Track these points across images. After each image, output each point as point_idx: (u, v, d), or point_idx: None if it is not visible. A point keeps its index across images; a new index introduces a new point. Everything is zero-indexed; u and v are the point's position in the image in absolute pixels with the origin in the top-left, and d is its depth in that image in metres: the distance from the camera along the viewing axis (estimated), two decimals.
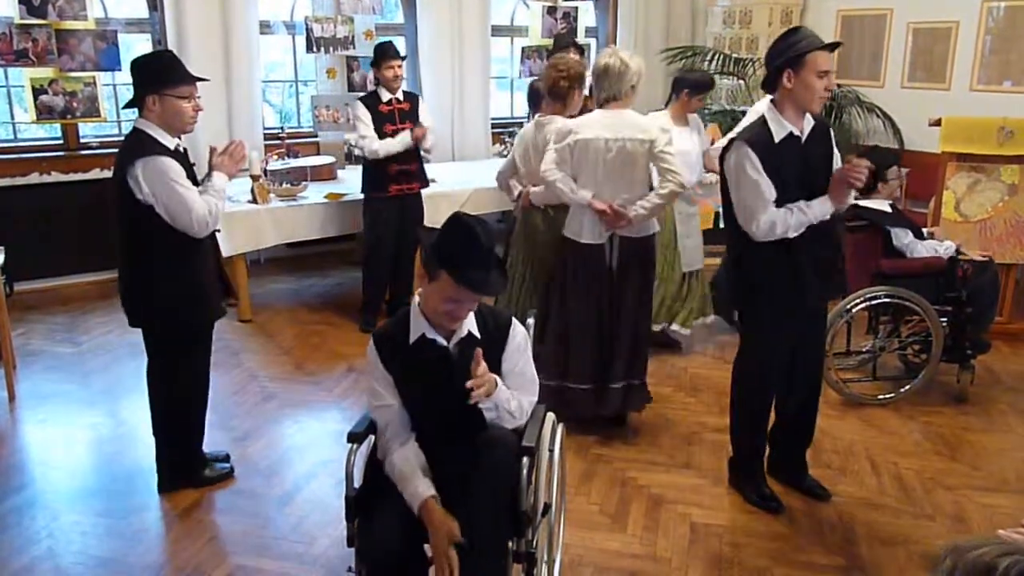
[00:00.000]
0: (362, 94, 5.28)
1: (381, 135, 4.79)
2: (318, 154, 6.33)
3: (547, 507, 2.42)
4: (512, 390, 2.31)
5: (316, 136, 6.45)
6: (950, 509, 3.25)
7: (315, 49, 6.18)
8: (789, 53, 2.80)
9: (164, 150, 2.96)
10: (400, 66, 4.85)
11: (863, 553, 2.97)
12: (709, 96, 4.95)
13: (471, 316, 2.31)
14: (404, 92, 4.97)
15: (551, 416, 2.57)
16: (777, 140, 2.86)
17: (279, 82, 7.43)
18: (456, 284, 2.14)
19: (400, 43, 6.91)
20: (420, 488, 2.17)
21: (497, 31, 7.19)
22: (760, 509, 3.22)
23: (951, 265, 4.03)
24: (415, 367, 2.29)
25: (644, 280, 3.66)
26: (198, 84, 3.05)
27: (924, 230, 4.22)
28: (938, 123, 4.98)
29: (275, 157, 5.77)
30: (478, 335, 2.31)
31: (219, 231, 3.38)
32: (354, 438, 2.32)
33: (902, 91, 6.47)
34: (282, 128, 6.38)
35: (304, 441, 3.78)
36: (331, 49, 6.22)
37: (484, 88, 6.94)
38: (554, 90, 3.84)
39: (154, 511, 3.20)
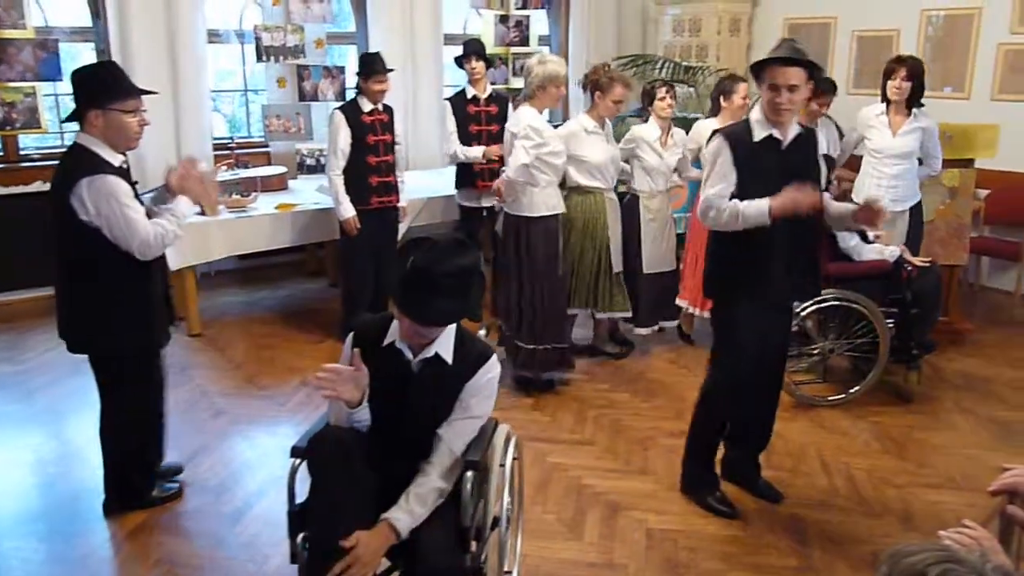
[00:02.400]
0: (340, 104, 5.19)
1: (363, 144, 4.74)
2: (269, 164, 6.25)
3: (496, 521, 2.40)
4: (447, 422, 2.27)
5: (267, 146, 6.37)
6: (898, 507, 3.32)
7: (265, 58, 6.11)
8: (756, 63, 2.95)
9: (110, 168, 2.85)
10: (387, 80, 4.80)
11: (815, 553, 3.01)
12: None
13: (448, 339, 2.27)
14: (383, 104, 4.90)
15: (504, 428, 2.56)
16: (756, 139, 2.95)
17: (229, 92, 7.32)
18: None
19: (351, 52, 6.88)
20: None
21: (450, 40, 7.18)
22: (715, 514, 3.24)
23: (896, 268, 4.12)
24: (379, 372, 2.26)
25: (528, 255, 4.18)
26: (144, 97, 2.95)
27: (870, 234, 4.31)
28: None
29: (224, 168, 5.68)
30: (448, 360, 2.27)
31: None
32: (298, 452, 2.29)
33: (848, 97, 6.59)
34: (231, 138, 6.29)
35: (255, 457, 3.72)
36: (281, 58, 6.15)
37: (437, 96, 6.91)
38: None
39: (100, 534, 3.11)
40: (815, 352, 4.32)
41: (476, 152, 5.12)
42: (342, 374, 2.16)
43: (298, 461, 2.32)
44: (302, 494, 2.32)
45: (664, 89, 4.63)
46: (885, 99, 4.60)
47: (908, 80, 4.46)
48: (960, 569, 1.00)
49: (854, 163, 5.04)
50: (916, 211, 4.66)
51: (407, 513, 2.15)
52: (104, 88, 2.86)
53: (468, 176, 5.27)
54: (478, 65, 5.11)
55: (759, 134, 2.95)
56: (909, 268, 4.13)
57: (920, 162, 4.67)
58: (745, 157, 2.94)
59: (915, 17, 6.23)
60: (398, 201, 5.02)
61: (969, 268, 5.74)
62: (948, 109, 5.58)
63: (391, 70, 4.83)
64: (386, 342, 2.27)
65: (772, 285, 3.00)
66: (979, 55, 5.90)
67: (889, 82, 4.53)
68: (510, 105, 5.18)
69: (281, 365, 4.72)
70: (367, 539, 2.08)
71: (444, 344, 2.26)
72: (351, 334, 2.32)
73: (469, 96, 5.17)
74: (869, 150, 4.71)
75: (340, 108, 4.82)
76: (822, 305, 4.03)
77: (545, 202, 4.16)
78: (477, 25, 7.37)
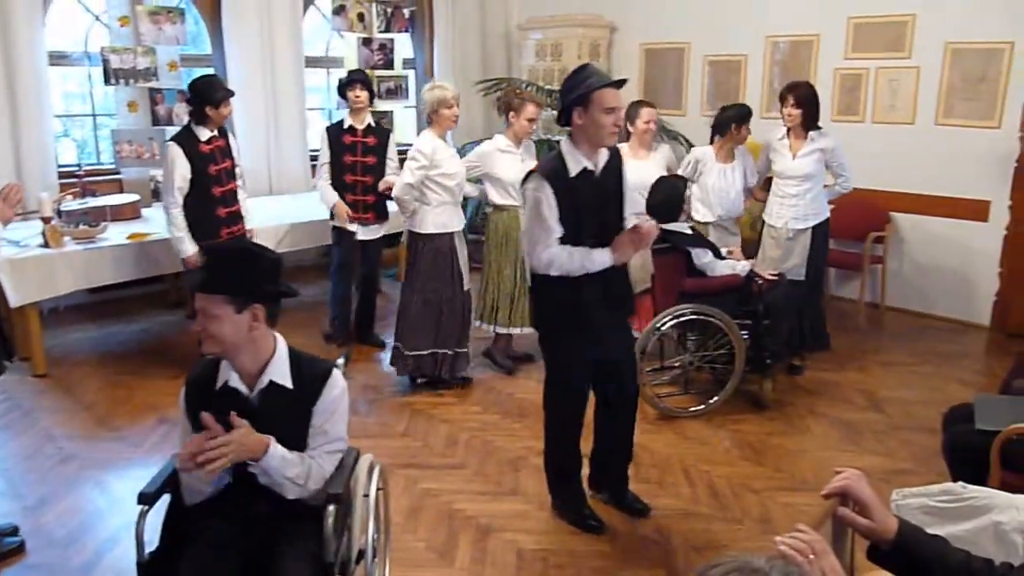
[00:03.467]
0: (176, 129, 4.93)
1: (205, 175, 4.48)
2: (121, 192, 5.94)
3: (362, 554, 2.35)
4: (311, 450, 2.21)
5: (119, 173, 6.05)
6: (757, 511, 3.46)
7: (114, 81, 5.82)
8: (579, 90, 2.88)
9: None
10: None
11: (680, 563, 3.10)
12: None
13: (282, 364, 2.21)
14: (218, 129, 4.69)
15: (367, 458, 2.50)
16: (573, 174, 2.96)
17: (76, 116, 6.92)
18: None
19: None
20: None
21: (312, 62, 7.08)
22: (583, 531, 3.28)
23: (747, 282, 4.33)
24: (217, 416, 2.17)
25: (417, 269, 4.49)
26: None
27: (722, 250, 4.51)
28: None
29: (70, 197, 5.36)
30: (288, 384, 2.21)
31: None
32: (145, 499, 2.17)
33: (702, 119, 6.90)
34: (79, 166, 5.93)
35: (107, 504, 3.49)
36: (132, 81, 5.88)
37: (300, 120, 6.79)
38: None
39: None
40: (676, 365, 4.47)
41: (330, 199, 4.98)
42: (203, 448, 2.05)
43: (147, 508, 2.20)
44: (153, 543, 2.20)
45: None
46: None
47: (797, 107, 4.64)
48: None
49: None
50: (820, 229, 4.83)
51: (285, 453, 2.12)
52: None
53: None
54: (362, 94, 4.96)
55: (574, 168, 2.96)
56: (760, 282, 4.35)
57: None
58: (566, 195, 2.94)
59: (761, 43, 6.61)
60: (244, 229, 4.81)
61: None
62: None
63: (232, 93, 4.65)
64: (219, 385, 2.20)
65: (587, 311, 3.05)
66: (819, 79, 6.31)
67: (782, 109, 4.74)
68: (391, 137, 5.16)
69: (136, 404, 4.46)
70: (249, 431, 2.07)
71: (278, 370, 2.20)
72: (183, 389, 2.24)
73: (346, 126, 5.00)
74: (774, 172, 4.92)
75: (175, 139, 4.47)
76: (680, 319, 4.18)
77: (434, 220, 4.43)
78: (340, 48, 7.29)
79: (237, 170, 4.76)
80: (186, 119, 5.96)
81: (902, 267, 6.09)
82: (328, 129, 5.08)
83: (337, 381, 2.28)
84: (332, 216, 5.10)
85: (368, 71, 7.11)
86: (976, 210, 5.68)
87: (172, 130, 6.01)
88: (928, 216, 5.90)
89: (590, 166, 2.99)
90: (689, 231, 4.39)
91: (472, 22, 7.81)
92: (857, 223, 5.90)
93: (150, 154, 5.94)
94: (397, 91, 7.41)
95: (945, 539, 1.72)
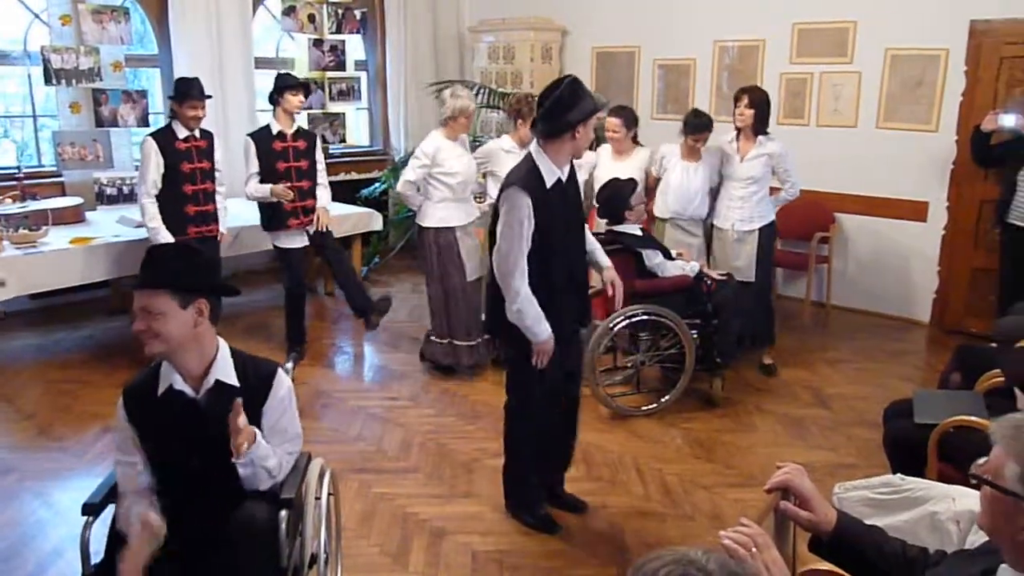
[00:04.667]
0: (152, 130, 4.98)
1: (177, 172, 4.58)
2: (63, 195, 5.80)
3: (314, 558, 2.33)
4: (272, 447, 2.21)
5: (61, 176, 5.91)
6: (707, 507, 3.52)
7: (55, 82, 5.68)
8: (586, 109, 2.92)
9: None
10: (203, 107, 4.66)
11: (632, 560, 3.12)
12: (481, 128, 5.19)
13: (225, 364, 2.20)
14: (201, 130, 4.73)
15: (318, 462, 2.49)
16: (548, 186, 2.99)
17: (16, 117, 6.73)
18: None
19: (155, 76, 6.54)
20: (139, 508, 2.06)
21: (262, 63, 6.99)
22: (537, 531, 3.30)
23: (697, 282, 4.40)
24: (164, 421, 2.14)
25: (423, 259, 4.84)
26: None
27: (672, 251, 4.57)
28: None
29: (8, 200, 5.21)
30: (235, 383, 2.19)
31: None
32: (90, 509, 2.14)
33: (653, 122, 7.00)
34: (19, 168, 5.78)
35: (50, 516, 3.40)
36: (74, 82, 5.74)
37: (250, 122, 6.69)
38: None
39: None
40: (628, 365, 4.52)
41: (264, 189, 4.80)
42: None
43: (92, 519, 2.16)
44: (99, 553, 2.17)
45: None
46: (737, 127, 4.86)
47: (750, 108, 4.69)
48: (688, 568, 1.07)
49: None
50: (767, 230, 4.87)
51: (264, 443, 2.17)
52: None
53: (279, 216, 4.92)
54: (304, 99, 4.93)
55: (550, 179, 2.99)
56: (709, 282, 4.42)
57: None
58: (543, 206, 2.95)
59: (709, 48, 6.71)
60: (217, 231, 4.85)
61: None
62: None
63: (209, 96, 4.69)
64: (161, 390, 2.17)
65: (558, 318, 3.08)
66: (765, 83, 6.44)
67: (735, 109, 4.78)
68: (318, 140, 5.13)
69: (80, 412, 4.36)
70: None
71: (224, 369, 2.20)
72: (120, 400, 2.20)
73: (275, 132, 4.87)
74: (723, 174, 4.95)
75: (153, 135, 4.67)
76: (632, 320, 4.23)
77: (435, 215, 4.69)
78: (291, 49, 7.22)
79: (217, 174, 4.82)
80: (132, 120, 5.98)
81: (846, 267, 6.25)
82: (254, 138, 4.88)
83: (283, 380, 2.29)
84: (266, 224, 4.99)
85: (320, 73, 7.10)
86: (916, 211, 5.86)
87: (117, 132, 5.94)
88: (871, 217, 6.05)
89: (561, 176, 3.05)
90: (639, 232, 4.44)
91: (424, 24, 7.79)
92: (803, 224, 6.04)
93: (94, 156, 5.82)
94: (349, 93, 7.37)
95: (882, 529, 1.78)
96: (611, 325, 4.22)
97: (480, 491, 3.61)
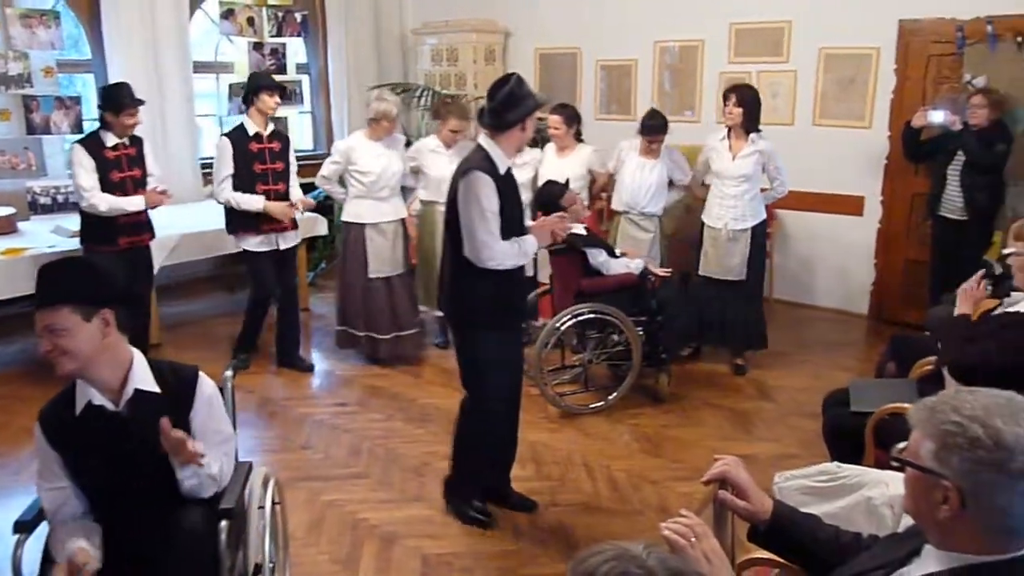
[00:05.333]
0: (80, 136, 4.80)
1: (106, 181, 4.44)
2: None
3: (259, 568, 2.30)
4: (208, 450, 2.17)
5: None
6: (655, 502, 3.56)
7: None
8: (530, 106, 3.08)
9: None
10: (138, 113, 4.52)
11: None
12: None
13: (143, 372, 2.15)
14: (131, 136, 4.59)
15: (262, 471, 2.46)
16: (502, 172, 3.10)
17: None
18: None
19: (90, 81, 6.38)
20: (74, 544, 2.00)
21: (202, 67, 6.87)
22: (475, 524, 3.34)
23: (642, 280, 4.45)
24: (88, 440, 2.09)
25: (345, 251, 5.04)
26: None
27: (616, 250, 4.62)
28: None
29: None
30: (155, 390, 2.15)
31: None
32: (22, 527, 2.08)
33: (596, 122, 7.05)
34: None
35: None
36: (3, 88, 5.57)
37: (190, 127, 6.58)
38: None
39: None
40: (576, 364, 4.55)
41: (257, 202, 4.71)
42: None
43: (23, 536, 2.10)
44: (33, 573, 2.11)
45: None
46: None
47: (738, 106, 4.68)
48: (628, 564, 1.08)
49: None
50: (759, 229, 4.89)
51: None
52: None
53: (248, 219, 4.78)
54: (279, 100, 4.85)
55: (501, 167, 3.11)
56: (653, 279, 4.48)
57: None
58: (500, 192, 3.06)
59: (650, 48, 6.79)
60: (150, 240, 4.75)
61: None
62: (685, 132, 6.07)
63: (141, 102, 4.53)
64: (80, 409, 2.11)
65: (516, 309, 3.22)
66: (705, 83, 6.55)
67: (724, 108, 4.79)
68: (290, 141, 5.07)
69: (15, 428, 4.23)
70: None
71: (141, 377, 2.15)
72: (37, 426, 2.14)
73: (251, 133, 4.74)
74: (713, 172, 4.94)
75: (80, 142, 4.50)
76: (579, 318, 4.27)
77: (348, 210, 4.99)
78: (230, 53, 7.10)
79: (150, 180, 4.68)
80: (66, 127, 5.82)
81: (787, 262, 6.38)
82: (230, 137, 4.76)
83: (206, 382, 2.25)
84: (233, 227, 4.86)
85: None
86: (852, 205, 6.01)
87: (50, 139, 5.78)
88: (810, 212, 6.19)
89: (509, 166, 3.17)
90: (584, 231, 4.48)
91: (366, 26, 7.73)
92: None
93: (25, 164, 5.64)
94: (291, 96, 7.27)
95: (817, 517, 1.83)
96: (558, 324, 4.26)
97: (430, 494, 3.60)
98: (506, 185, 3.10)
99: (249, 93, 4.79)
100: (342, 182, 5.04)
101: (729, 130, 4.84)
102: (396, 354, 5.10)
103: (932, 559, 1.38)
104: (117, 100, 4.43)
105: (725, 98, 4.80)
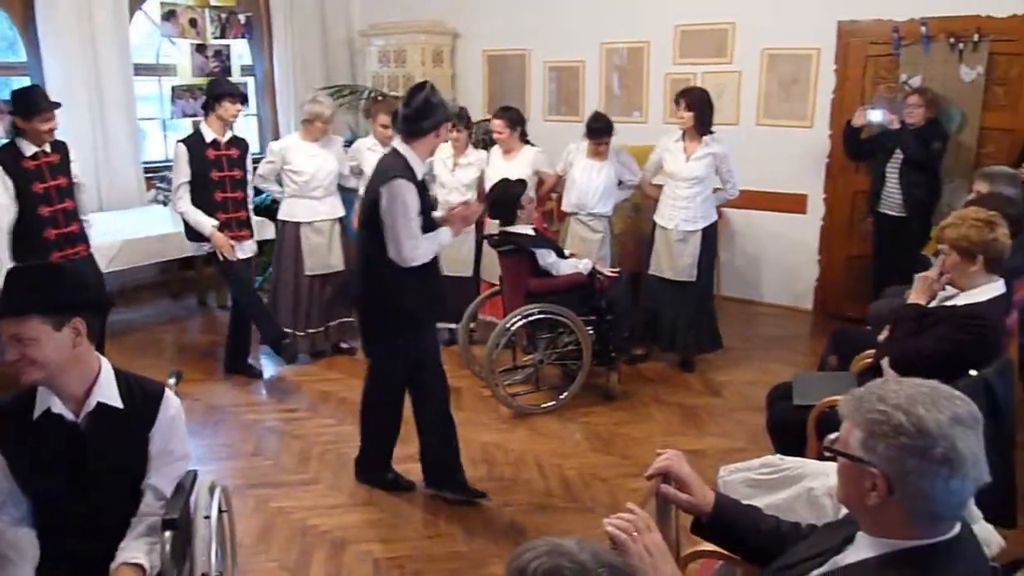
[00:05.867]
0: None
1: (28, 194, 4.11)
2: None
3: None
4: (153, 473, 2.13)
5: None
6: (606, 499, 3.59)
7: None
8: (441, 117, 3.29)
9: None
10: (55, 117, 4.18)
11: None
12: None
13: (109, 386, 2.10)
14: (52, 143, 4.25)
15: (208, 480, 2.42)
16: (420, 178, 3.28)
17: None
18: None
19: (25, 84, 6.20)
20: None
21: (143, 70, 6.73)
22: (391, 490, 3.60)
23: (590, 279, 4.48)
24: (39, 447, 2.03)
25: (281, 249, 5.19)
26: None
27: (565, 251, 4.65)
28: None
29: None
30: (119, 405, 2.09)
31: None
32: None
33: (545, 123, 7.09)
34: None
35: None
36: None
37: (131, 131, 6.44)
38: None
39: None
40: (527, 364, 4.57)
41: (206, 227, 4.59)
42: None
43: None
44: None
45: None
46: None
47: (689, 110, 4.70)
48: (560, 559, 1.10)
49: None
50: (710, 230, 4.91)
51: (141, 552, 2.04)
52: None
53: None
54: (242, 108, 4.74)
55: (419, 172, 3.31)
56: (601, 279, 4.52)
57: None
58: (422, 195, 3.28)
59: (597, 50, 6.85)
60: (86, 251, 4.47)
61: None
62: (633, 133, 6.14)
63: (57, 105, 4.23)
64: (37, 413, 2.05)
65: (441, 297, 3.53)
66: (651, 84, 6.62)
67: (677, 112, 4.81)
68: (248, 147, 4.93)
69: None
70: None
71: (106, 390, 2.09)
72: None
73: (208, 139, 4.60)
74: (667, 173, 4.94)
75: None
76: (529, 319, 4.28)
77: (285, 210, 5.08)
78: (173, 55, 6.98)
79: (77, 183, 4.38)
80: (0, 132, 5.63)
81: (734, 259, 6.49)
82: (187, 143, 4.61)
83: (171, 400, 2.20)
84: (193, 238, 4.76)
85: (204, 79, 6.87)
86: (796, 203, 6.14)
87: None
88: (755, 210, 6.29)
89: (424, 170, 3.32)
90: (532, 232, 4.49)
91: (312, 28, 7.65)
92: None
93: None
94: None
95: (758, 508, 1.86)
96: (508, 325, 4.27)
97: (380, 499, 3.58)
98: (420, 187, 3.29)
99: (210, 99, 4.66)
100: (280, 182, 5.09)
101: (684, 132, 4.87)
102: (334, 343, 5.30)
103: (865, 545, 1.42)
104: (27, 104, 4.09)
105: (676, 102, 4.85)
